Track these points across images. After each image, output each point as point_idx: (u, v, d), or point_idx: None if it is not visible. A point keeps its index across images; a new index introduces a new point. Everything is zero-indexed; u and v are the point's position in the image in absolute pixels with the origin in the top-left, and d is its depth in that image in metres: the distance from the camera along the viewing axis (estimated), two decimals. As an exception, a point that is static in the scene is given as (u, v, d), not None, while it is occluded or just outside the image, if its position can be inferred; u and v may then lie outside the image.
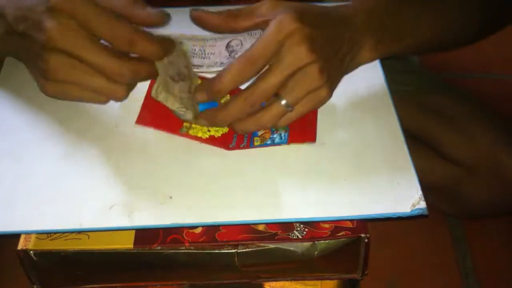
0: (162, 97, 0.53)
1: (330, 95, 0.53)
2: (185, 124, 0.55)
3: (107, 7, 0.49)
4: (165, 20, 0.51)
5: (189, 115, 0.53)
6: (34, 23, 0.48)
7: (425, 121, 0.80)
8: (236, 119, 0.52)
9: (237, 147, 0.54)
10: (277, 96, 0.52)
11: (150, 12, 0.50)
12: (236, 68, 0.50)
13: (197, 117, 0.54)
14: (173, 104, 0.53)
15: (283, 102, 0.51)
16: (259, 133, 0.55)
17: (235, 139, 0.55)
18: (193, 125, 0.55)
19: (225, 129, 0.55)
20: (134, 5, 0.50)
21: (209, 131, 0.55)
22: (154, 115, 0.55)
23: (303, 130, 0.55)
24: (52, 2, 0.48)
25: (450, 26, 0.64)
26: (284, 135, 0.55)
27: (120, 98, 0.51)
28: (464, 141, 0.77)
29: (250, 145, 0.54)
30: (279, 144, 0.54)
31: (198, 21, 0.53)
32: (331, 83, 0.53)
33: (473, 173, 0.77)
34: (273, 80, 0.50)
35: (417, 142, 0.79)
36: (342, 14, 0.55)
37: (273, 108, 0.52)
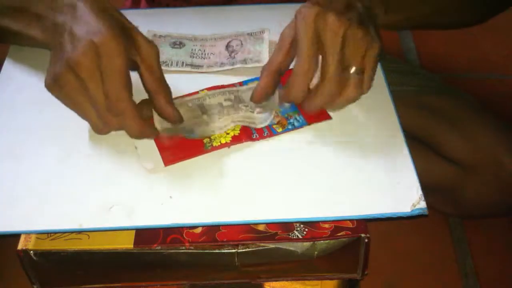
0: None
1: (380, 45, 0.53)
2: (205, 140, 0.54)
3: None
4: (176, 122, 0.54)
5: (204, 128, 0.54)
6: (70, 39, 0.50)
7: (425, 121, 0.80)
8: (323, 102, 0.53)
9: (261, 136, 0.54)
10: (344, 69, 0.52)
11: (171, 109, 0.53)
12: (300, 78, 0.52)
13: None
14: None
15: (352, 70, 0.52)
16: (275, 120, 0.56)
17: (254, 130, 0.55)
18: (212, 136, 0.54)
19: (239, 126, 0.55)
20: (162, 92, 0.52)
21: (227, 134, 0.55)
22: (174, 149, 0.54)
23: (315, 112, 0.55)
24: (96, 40, 0.49)
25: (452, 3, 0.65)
26: (300, 118, 0.56)
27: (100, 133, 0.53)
28: (464, 141, 0.77)
29: (273, 132, 0.55)
30: (300, 127, 0.55)
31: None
32: (373, 35, 0.53)
33: (473, 173, 0.77)
34: (334, 61, 0.51)
35: (417, 142, 0.79)
36: None
37: (351, 82, 0.52)
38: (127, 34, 0.51)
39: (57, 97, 0.51)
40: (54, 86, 0.51)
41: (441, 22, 0.68)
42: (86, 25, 0.50)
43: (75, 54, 0.49)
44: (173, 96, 0.58)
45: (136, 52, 0.51)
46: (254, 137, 0.54)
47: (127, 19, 0.53)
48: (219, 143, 0.54)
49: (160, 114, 0.53)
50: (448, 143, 0.78)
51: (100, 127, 0.52)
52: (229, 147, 0.54)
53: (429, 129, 0.80)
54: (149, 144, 0.54)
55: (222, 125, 0.55)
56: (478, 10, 0.69)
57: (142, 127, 0.51)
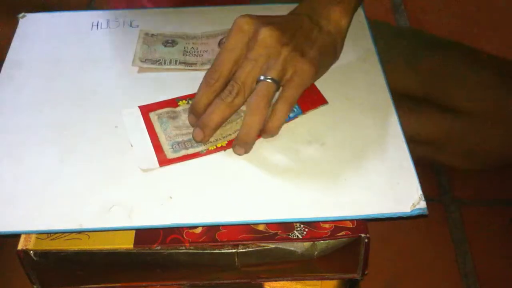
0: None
1: (305, 61, 0.53)
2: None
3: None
4: None
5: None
6: None
7: (422, 78, 0.79)
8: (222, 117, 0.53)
9: (257, 136, 0.54)
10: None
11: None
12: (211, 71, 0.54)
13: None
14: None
15: (262, 77, 0.52)
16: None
17: None
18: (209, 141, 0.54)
19: (237, 126, 0.55)
20: None
21: (225, 137, 0.54)
22: None
23: (310, 97, 0.56)
24: None
25: None
26: (295, 107, 0.56)
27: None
28: (465, 90, 0.76)
29: None
30: (296, 116, 0.55)
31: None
32: (296, 48, 0.53)
33: (481, 121, 0.76)
34: (246, 65, 0.53)
35: (420, 102, 0.79)
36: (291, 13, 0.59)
37: (262, 86, 0.52)
38: None
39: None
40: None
41: None
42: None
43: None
44: (175, 97, 0.58)
45: None
46: None
47: None
48: (214, 147, 0.54)
49: None
50: (450, 95, 0.77)
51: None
52: (225, 150, 0.53)
53: (427, 85, 0.79)
54: (145, 143, 0.54)
55: (213, 139, 0.54)
56: None
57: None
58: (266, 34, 0.52)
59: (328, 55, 0.57)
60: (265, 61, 0.52)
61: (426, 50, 0.82)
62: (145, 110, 0.56)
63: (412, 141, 0.73)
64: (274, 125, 0.53)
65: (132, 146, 0.53)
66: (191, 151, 0.53)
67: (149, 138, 0.54)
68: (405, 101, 0.77)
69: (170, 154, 0.53)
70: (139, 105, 0.57)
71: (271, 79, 0.52)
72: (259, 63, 0.52)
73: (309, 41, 0.55)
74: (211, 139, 0.54)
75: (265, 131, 0.53)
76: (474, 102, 0.75)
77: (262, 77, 0.52)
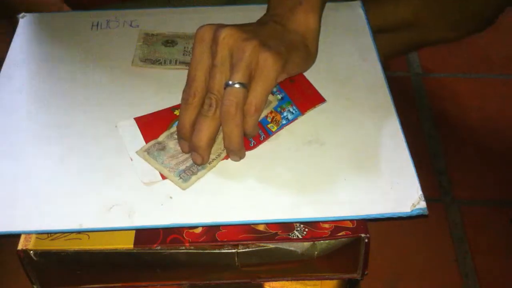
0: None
1: (269, 54, 0.51)
2: None
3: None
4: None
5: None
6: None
7: None
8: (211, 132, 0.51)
9: (258, 142, 0.54)
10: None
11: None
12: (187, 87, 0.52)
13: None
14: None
15: (230, 82, 0.50)
16: (269, 119, 0.55)
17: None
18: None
19: None
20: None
21: (224, 150, 0.53)
22: None
23: (307, 97, 0.56)
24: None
25: None
26: (294, 109, 0.56)
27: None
28: None
29: (269, 133, 0.54)
30: (295, 118, 0.55)
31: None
32: (260, 43, 0.51)
33: None
34: (215, 72, 0.51)
35: None
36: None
37: (229, 93, 0.50)
38: None
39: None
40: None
41: None
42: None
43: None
44: (172, 105, 0.57)
45: None
46: (252, 145, 0.54)
47: None
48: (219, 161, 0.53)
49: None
50: None
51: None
52: (227, 158, 0.53)
53: None
54: (136, 108, 0.53)
55: (213, 156, 0.53)
56: None
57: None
58: (226, 34, 0.51)
59: (297, 50, 0.55)
60: (230, 62, 0.51)
61: None
62: (141, 122, 0.55)
63: (396, 29, 0.74)
64: (248, 127, 0.51)
65: (132, 160, 0.53)
66: (200, 174, 0.52)
67: None
68: None
69: (183, 185, 0.51)
70: (137, 107, 0.56)
71: (238, 83, 0.50)
72: (225, 66, 0.51)
73: (273, 37, 0.53)
74: (213, 156, 0.52)
75: (244, 134, 0.52)
76: None
77: (230, 82, 0.50)
